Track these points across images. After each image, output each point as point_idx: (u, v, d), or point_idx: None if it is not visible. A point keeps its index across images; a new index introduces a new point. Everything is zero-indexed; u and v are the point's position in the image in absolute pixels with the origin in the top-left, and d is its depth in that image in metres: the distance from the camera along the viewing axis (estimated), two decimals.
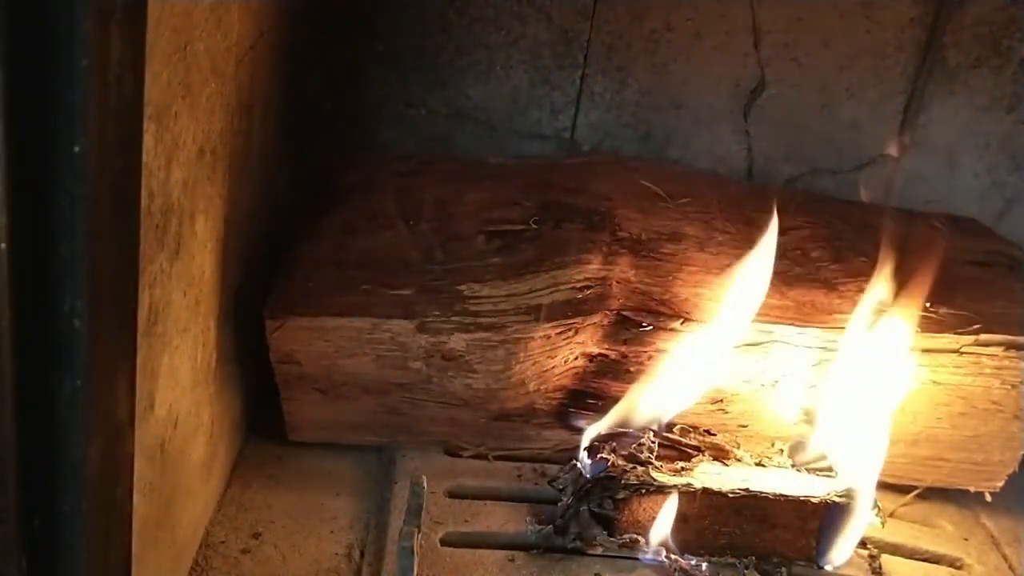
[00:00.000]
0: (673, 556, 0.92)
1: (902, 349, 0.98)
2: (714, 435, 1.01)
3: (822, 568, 0.95)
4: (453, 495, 1.00)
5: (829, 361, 1.00)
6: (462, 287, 0.99)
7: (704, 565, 0.93)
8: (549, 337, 0.97)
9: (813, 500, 0.93)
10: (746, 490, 0.93)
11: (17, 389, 0.47)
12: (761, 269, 1.00)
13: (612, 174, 1.20)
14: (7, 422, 0.47)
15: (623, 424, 0.98)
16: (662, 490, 0.92)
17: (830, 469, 0.97)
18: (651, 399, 0.98)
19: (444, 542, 0.94)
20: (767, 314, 1.00)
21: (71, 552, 0.51)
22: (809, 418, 1.02)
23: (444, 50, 1.27)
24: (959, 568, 0.99)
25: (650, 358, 1.00)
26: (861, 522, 0.94)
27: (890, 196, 1.30)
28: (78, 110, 0.44)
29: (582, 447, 0.97)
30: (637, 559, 0.93)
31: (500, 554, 0.93)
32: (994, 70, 1.27)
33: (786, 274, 1.07)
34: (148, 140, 0.60)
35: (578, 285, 1.00)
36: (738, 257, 1.08)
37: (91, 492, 0.51)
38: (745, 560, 0.94)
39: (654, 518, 0.93)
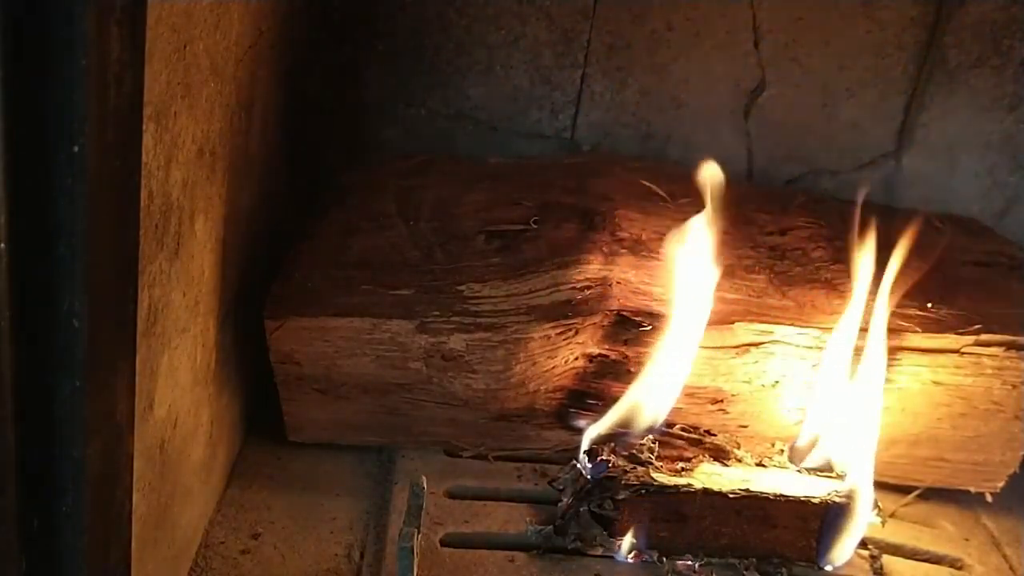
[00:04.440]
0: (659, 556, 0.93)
1: (879, 345, 0.98)
2: (714, 435, 1.01)
3: (823, 568, 0.95)
4: (453, 495, 1.00)
5: (825, 358, 1.00)
6: (462, 287, 0.99)
7: (698, 565, 0.93)
8: (549, 337, 0.97)
9: (814, 500, 0.93)
10: (746, 490, 0.93)
11: (17, 389, 0.47)
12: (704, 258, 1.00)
13: (612, 174, 1.20)
14: (7, 422, 0.47)
15: (622, 426, 0.98)
16: (662, 491, 0.92)
17: (830, 469, 0.97)
18: (647, 399, 0.98)
19: (444, 542, 0.94)
20: (767, 314, 1.00)
21: (71, 553, 0.51)
22: (811, 418, 1.02)
23: (444, 50, 1.27)
24: (960, 568, 0.99)
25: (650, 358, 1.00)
26: (862, 522, 0.94)
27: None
28: (78, 110, 0.44)
29: (582, 448, 0.97)
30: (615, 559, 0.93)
31: (500, 554, 0.93)
32: (995, 70, 1.27)
33: (786, 274, 1.07)
34: (148, 140, 0.60)
35: (578, 285, 1.00)
36: (738, 257, 1.08)
37: (91, 492, 0.51)
38: (745, 561, 0.94)
39: (655, 518, 0.93)
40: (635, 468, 0.93)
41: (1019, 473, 1.05)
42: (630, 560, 0.93)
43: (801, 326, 1.00)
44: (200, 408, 0.85)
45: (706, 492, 0.92)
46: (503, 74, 1.28)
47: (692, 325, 0.97)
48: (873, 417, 0.97)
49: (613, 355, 1.00)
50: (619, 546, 0.92)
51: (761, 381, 1.01)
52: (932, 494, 1.07)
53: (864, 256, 1.01)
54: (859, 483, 0.94)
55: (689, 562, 0.93)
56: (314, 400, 0.99)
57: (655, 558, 0.93)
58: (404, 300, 0.97)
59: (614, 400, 0.99)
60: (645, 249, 1.06)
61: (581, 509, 0.93)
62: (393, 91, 1.29)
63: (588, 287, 1.00)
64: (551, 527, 0.95)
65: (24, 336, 0.47)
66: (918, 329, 1.01)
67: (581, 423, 1.01)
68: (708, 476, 0.94)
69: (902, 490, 1.06)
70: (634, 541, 0.92)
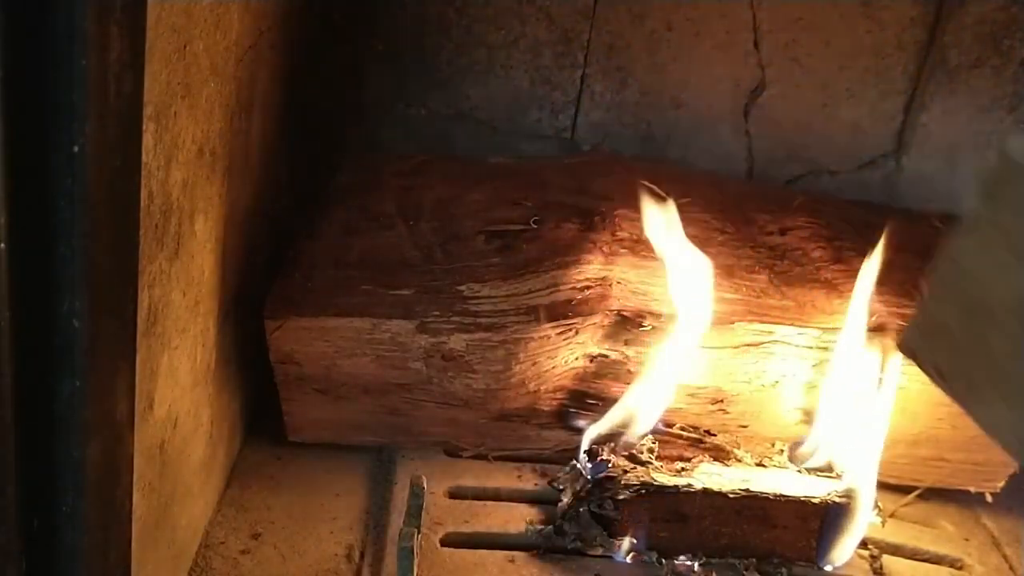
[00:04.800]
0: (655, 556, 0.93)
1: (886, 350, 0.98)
2: (714, 435, 1.01)
3: (823, 569, 0.95)
4: (453, 495, 1.00)
5: (829, 361, 1.00)
6: (462, 287, 0.99)
7: (697, 565, 0.93)
8: (549, 337, 0.97)
9: (814, 500, 0.93)
10: (746, 490, 0.93)
11: (17, 389, 0.47)
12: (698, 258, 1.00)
13: (612, 174, 1.19)
14: (7, 422, 0.47)
15: (623, 427, 0.98)
16: (662, 491, 0.92)
17: (830, 469, 0.97)
18: (646, 400, 0.98)
19: (444, 542, 0.94)
20: (767, 314, 1.00)
21: (71, 552, 0.51)
22: (808, 418, 1.02)
23: (444, 50, 1.27)
24: (960, 568, 0.99)
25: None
26: (862, 522, 0.94)
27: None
28: (78, 110, 0.44)
29: (582, 448, 0.97)
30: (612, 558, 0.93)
31: (500, 554, 0.93)
32: (995, 70, 1.27)
33: (786, 274, 1.07)
34: (148, 140, 0.60)
35: (578, 285, 1.00)
36: (738, 257, 1.08)
37: (91, 492, 0.51)
38: (745, 561, 0.94)
39: (655, 519, 0.93)
40: (635, 468, 0.94)
41: (1019, 473, 1.05)
42: (629, 560, 0.93)
43: (801, 326, 1.00)
44: (200, 408, 0.85)
45: (706, 492, 0.92)
46: (503, 74, 1.28)
47: (693, 325, 0.97)
48: (880, 418, 0.97)
49: (613, 355, 1.00)
50: (619, 546, 0.92)
51: (761, 381, 1.01)
52: (932, 494, 1.07)
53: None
54: (860, 483, 0.94)
55: (688, 562, 0.93)
56: (314, 400, 0.99)
57: (654, 559, 0.93)
58: (404, 300, 0.97)
59: (614, 400, 0.99)
60: (645, 249, 1.06)
61: (581, 509, 0.93)
62: (393, 91, 1.29)
63: (588, 287, 1.00)
64: (551, 527, 0.95)
65: (24, 336, 0.47)
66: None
67: (581, 423, 1.01)
68: (708, 476, 0.94)
69: (902, 490, 1.06)
70: (634, 541, 0.92)
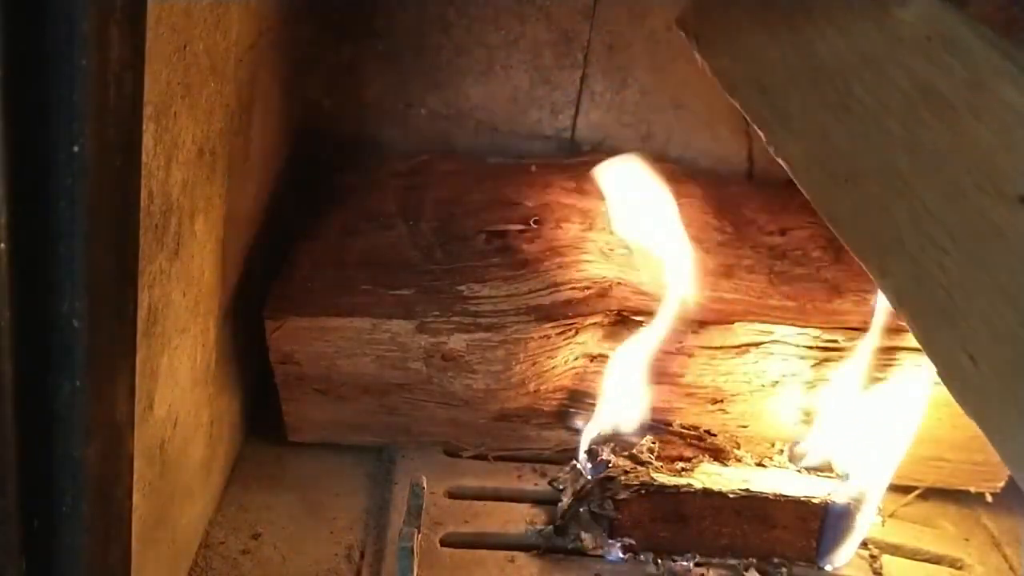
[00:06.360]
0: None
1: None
2: (714, 435, 1.01)
3: (823, 569, 0.95)
4: (453, 495, 1.00)
5: (829, 361, 1.00)
6: (462, 287, 0.99)
7: (693, 564, 0.93)
8: (549, 337, 0.97)
9: (814, 500, 0.93)
10: (747, 490, 0.93)
11: (17, 389, 0.47)
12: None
13: None
14: (7, 422, 0.47)
15: (618, 425, 0.98)
16: (662, 491, 0.92)
17: (831, 469, 0.97)
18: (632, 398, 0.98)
19: (444, 542, 0.94)
20: (767, 314, 1.00)
21: (71, 552, 0.51)
22: (811, 419, 1.02)
23: (444, 50, 1.27)
24: (960, 568, 0.99)
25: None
26: (862, 523, 0.94)
27: None
28: (78, 110, 0.44)
29: (582, 448, 0.97)
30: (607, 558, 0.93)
31: (500, 554, 0.93)
32: None
33: (786, 274, 1.07)
34: (148, 140, 0.60)
35: (578, 285, 1.00)
36: (738, 257, 1.08)
37: (91, 492, 0.51)
38: (745, 561, 0.94)
39: (655, 519, 0.93)
40: (635, 468, 0.93)
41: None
42: (627, 561, 0.93)
43: (801, 326, 1.00)
44: (200, 408, 0.85)
45: (706, 492, 0.92)
46: (503, 74, 1.28)
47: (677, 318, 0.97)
48: (907, 425, 0.96)
49: (613, 355, 1.00)
50: (618, 546, 0.92)
51: (761, 381, 1.01)
52: (932, 494, 1.07)
53: None
54: (868, 486, 0.94)
55: (686, 562, 0.93)
56: (314, 400, 0.99)
57: (651, 559, 0.93)
58: (404, 300, 0.97)
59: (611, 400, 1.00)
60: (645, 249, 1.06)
61: (581, 509, 0.93)
62: (393, 91, 1.29)
63: (588, 287, 1.00)
64: (551, 527, 0.95)
65: (24, 336, 0.47)
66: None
67: (581, 423, 1.01)
68: (708, 476, 0.94)
69: (902, 490, 1.06)
70: (633, 542, 0.92)
